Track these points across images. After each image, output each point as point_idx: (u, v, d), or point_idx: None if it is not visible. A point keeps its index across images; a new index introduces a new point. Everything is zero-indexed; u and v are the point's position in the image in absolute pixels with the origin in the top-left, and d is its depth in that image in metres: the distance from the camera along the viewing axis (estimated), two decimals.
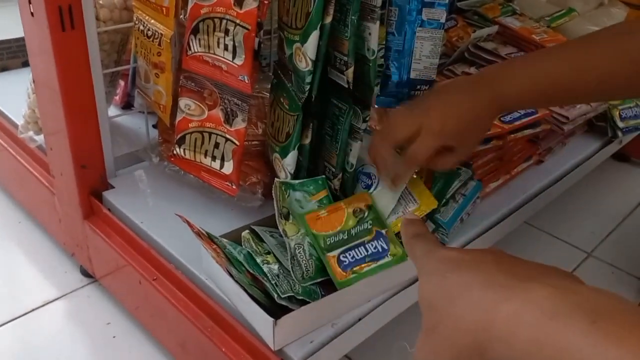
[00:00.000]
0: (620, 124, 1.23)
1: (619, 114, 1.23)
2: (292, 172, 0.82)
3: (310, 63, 0.73)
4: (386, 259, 0.77)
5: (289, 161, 0.82)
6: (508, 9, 1.52)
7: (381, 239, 0.78)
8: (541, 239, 1.28)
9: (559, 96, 0.73)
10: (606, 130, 1.25)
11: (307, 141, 0.82)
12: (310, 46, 0.72)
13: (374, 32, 0.72)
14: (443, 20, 0.81)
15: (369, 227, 0.79)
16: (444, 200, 0.89)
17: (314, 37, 0.72)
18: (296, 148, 0.80)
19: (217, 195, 0.93)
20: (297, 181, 0.82)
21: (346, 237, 0.78)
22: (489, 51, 1.20)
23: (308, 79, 0.74)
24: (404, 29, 0.80)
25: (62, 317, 1.01)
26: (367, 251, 0.78)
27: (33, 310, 1.02)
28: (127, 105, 1.23)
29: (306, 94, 0.76)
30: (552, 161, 1.16)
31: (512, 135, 1.01)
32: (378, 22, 0.72)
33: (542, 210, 1.23)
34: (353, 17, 0.72)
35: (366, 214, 0.81)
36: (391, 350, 0.96)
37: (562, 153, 1.20)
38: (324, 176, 0.84)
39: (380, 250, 0.78)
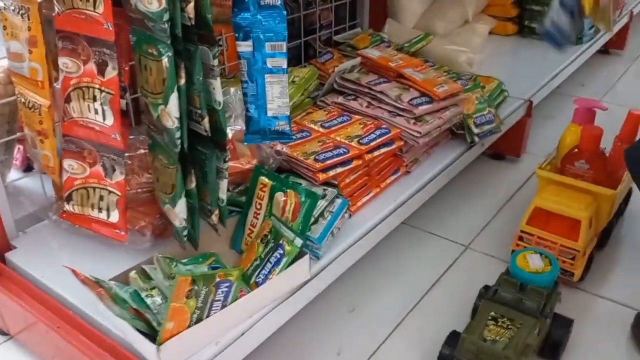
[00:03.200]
0: (476, 130, 1.40)
1: (474, 121, 1.40)
2: (185, 217, 0.93)
3: (175, 121, 0.85)
4: (284, 259, 0.93)
5: (179, 209, 0.92)
6: (377, 39, 1.70)
7: (279, 248, 0.94)
8: (423, 238, 1.43)
9: None
10: (465, 137, 1.42)
11: (193, 185, 0.93)
12: (173, 106, 0.84)
13: (216, 87, 0.85)
14: (285, 66, 0.95)
15: (272, 244, 0.95)
16: (313, 219, 1.02)
17: (173, 98, 0.83)
18: (183, 196, 0.91)
19: (111, 240, 1.02)
20: (184, 259, 0.95)
21: (258, 262, 0.95)
22: (352, 81, 1.35)
23: (177, 135, 0.86)
24: (255, 77, 0.94)
25: None
26: (271, 263, 0.94)
27: None
28: (28, 167, 1.31)
29: (179, 148, 0.87)
30: (419, 170, 1.32)
31: (370, 155, 1.15)
32: (219, 79, 0.85)
33: (423, 212, 1.38)
34: (198, 77, 0.84)
35: (269, 236, 0.96)
36: None
37: (428, 161, 1.36)
38: (209, 252, 0.98)
39: (279, 256, 0.94)
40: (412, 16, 1.92)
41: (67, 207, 0.98)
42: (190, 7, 0.80)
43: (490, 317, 0.95)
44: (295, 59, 1.65)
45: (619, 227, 1.43)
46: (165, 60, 0.81)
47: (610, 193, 1.19)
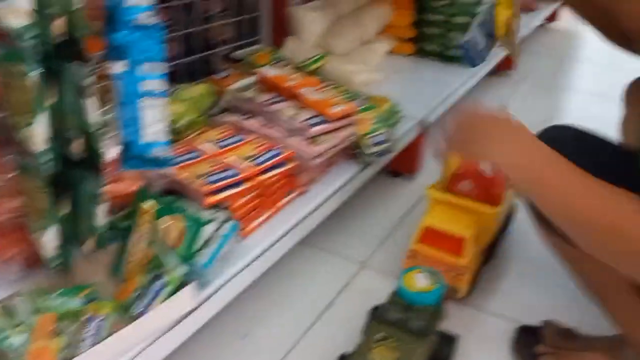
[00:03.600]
0: (370, 150, 1.42)
1: (369, 141, 1.43)
2: (56, 245, 0.86)
3: (45, 143, 0.79)
4: (167, 288, 0.89)
5: (50, 237, 0.85)
6: (277, 56, 1.70)
7: (161, 276, 0.90)
8: (317, 256, 1.44)
9: None
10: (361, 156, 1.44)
11: (66, 211, 0.87)
12: (40, 128, 0.78)
13: (89, 107, 0.80)
14: (162, 89, 0.91)
15: (154, 273, 0.91)
16: (201, 245, 0.99)
17: (42, 119, 0.77)
18: (54, 223, 0.84)
19: None
20: (57, 291, 0.87)
21: (139, 292, 0.90)
22: (247, 100, 1.34)
23: (47, 157, 0.80)
24: (129, 100, 0.89)
25: None
26: (153, 293, 0.90)
27: None
28: None
29: (49, 171, 0.81)
30: (315, 190, 1.32)
31: (263, 176, 1.13)
32: (92, 98, 0.80)
33: (319, 230, 1.38)
34: (69, 96, 0.79)
35: (151, 264, 0.92)
36: None
37: (324, 181, 1.36)
38: (86, 283, 0.91)
39: (161, 285, 0.90)
40: (312, 35, 1.93)
41: None
42: (60, 23, 0.76)
43: (376, 339, 0.96)
44: (191, 75, 1.62)
45: (504, 243, 1.51)
46: (31, 78, 0.75)
47: (493, 211, 1.25)
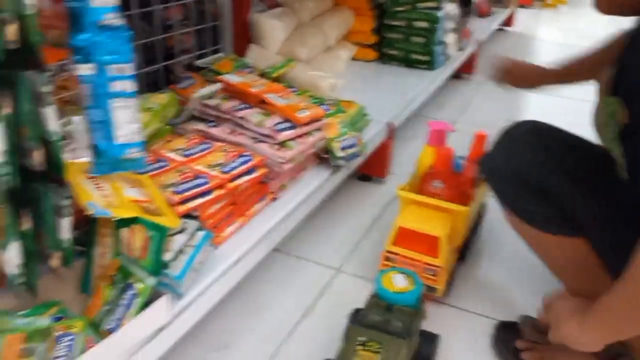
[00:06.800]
0: (340, 154, 1.41)
1: (338, 145, 1.42)
2: (18, 262, 0.81)
3: (1, 155, 0.74)
4: (137, 300, 0.86)
5: (12, 254, 0.80)
6: (240, 64, 1.68)
7: (130, 288, 0.87)
8: (292, 264, 1.41)
9: None
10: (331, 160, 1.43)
11: (28, 226, 0.83)
12: None
13: (49, 116, 0.77)
14: (132, 90, 0.89)
15: (122, 285, 0.87)
16: (174, 255, 0.95)
17: None
18: (14, 240, 0.80)
19: None
20: (23, 311, 0.84)
21: (108, 306, 0.87)
22: (213, 107, 1.31)
23: (4, 171, 0.75)
24: (99, 102, 0.86)
25: None
26: (123, 306, 0.86)
27: None
28: None
29: (6, 185, 0.76)
30: (286, 196, 1.30)
31: (233, 183, 1.11)
32: (52, 107, 0.76)
33: (294, 237, 1.36)
34: (25, 105, 0.75)
35: (117, 277, 0.88)
36: None
37: (295, 187, 1.34)
38: (51, 301, 0.88)
39: (131, 297, 0.86)
40: (275, 42, 1.92)
41: None
42: (13, 29, 0.72)
43: (358, 342, 0.94)
44: (153, 84, 1.58)
45: (476, 241, 1.51)
46: None
47: (464, 210, 1.25)
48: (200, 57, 1.78)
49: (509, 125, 1.11)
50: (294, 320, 1.23)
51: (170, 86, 1.54)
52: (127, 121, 0.91)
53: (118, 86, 0.89)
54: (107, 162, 0.93)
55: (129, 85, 0.90)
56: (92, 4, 0.84)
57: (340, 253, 1.47)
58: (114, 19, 0.86)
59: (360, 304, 1.12)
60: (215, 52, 1.85)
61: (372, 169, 1.79)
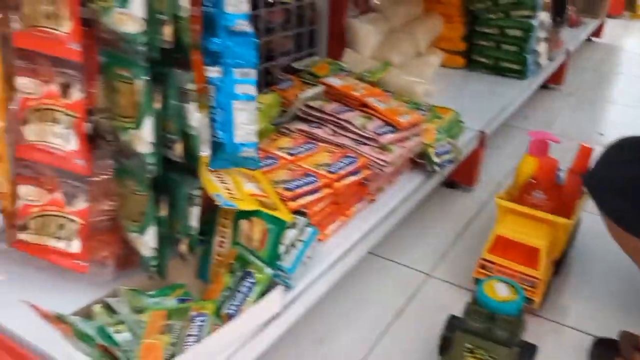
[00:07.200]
0: (436, 160, 1.43)
1: (434, 151, 1.43)
2: (154, 246, 0.88)
3: (150, 146, 0.81)
4: (255, 288, 0.90)
5: (149, 237, 0.87)
6: (336, 67, 1.72)
7: (248, 276, 0.91)
8: (386, 266, 1.44)
9: None
10: (426, 166, 1.44)
11: (164, 212, 0.89)
12: (147, 131, 0.80)
13: (191, 112, 0.83)
14: (254, 93, 0.94)
15: (240, 273, 0.92)
16: (285, 248, 1.00)
17: (148, 122, 0.79)
18: (153, 224, 0.86)
19: (69, 272, 0.95)
20: (151, 291, 0.90)
21: (228, 292, 0.92)
22: (316, 108, 1.35)
23: (151, 160, 0.82)
24: (223, 103, 0.92)
25: None
26: (242, 293, 0.91)
27: None
28: None
29: (152, 174, 0.83)
30: (383, 198, 1.32)
31: (339, 183, 1.14)
32: (194, 103, 0.82)
33: (385, 240, 1.38)
34: (172, 101, 0.81)
35: (236, 265, 0.94)
36: None
37: (391, 190, 1.36)
38: (179, 283, 0.94)
39: (250, 285, 0.91)
40: (368, 47, 1.95)
41: (22, 236, 0.92)
42: (168, 30, 0.78)
43: (466, 349, 0.95)
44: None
45: (571, 254, 1.48)
46: (139, 83, 0.78)
47: (566, 222, 1.24)
48: (296, 59, 1.83)
49: (615, 140, 1.10)
50: (386, 322, 1.25)
51: (271, 87, 1.60)
52: (246, 122, 0.96)
53: (241, 89, 0.94)
54: (226, 157, 0.98)
55: (252, 89, 0.95)
56: (226, 10, 0.90)
57: (430, 258, 1.48)
58: (244, 26, 0.91)
59: (451, 309, 1.13)
60: (310, 55, 1.90)
61: (461, 177, 1.78)
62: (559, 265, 1.36)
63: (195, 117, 0.83)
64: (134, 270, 0.98)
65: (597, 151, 1.21)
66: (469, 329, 0.99)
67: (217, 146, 0.97)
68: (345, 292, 1.32)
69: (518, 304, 1.03)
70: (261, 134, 1.34)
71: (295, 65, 1.79)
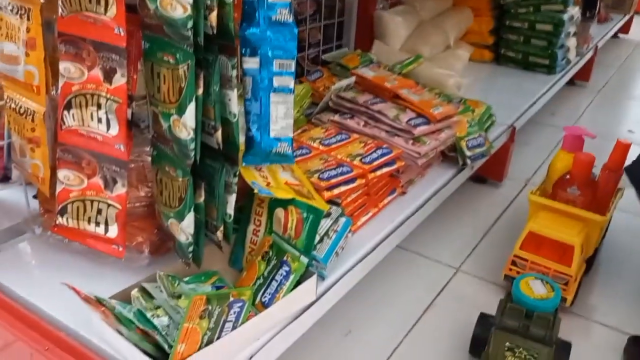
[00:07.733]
0: (468, 153, 1.41)
1: (466, 144, 1.41)
2: (192, 232, 0.87)
3: (191, 131, 0.80)
4: (291, 277, 0.90)
5: (187, 223, 0.87)
6: (366, 59, 1.71)
7: (284, 265, 0.91)
8: (414, 260, 1.43)
9: None
10: (457, 159, 1.42)
11: (201, 199, 0.89)
12: (189, 116, 0.79)
13: (233, 98, 0.82)
14: (292, 86, 0.92)
15: (275, 262, 0.92)
16: (319, 238, 0.99)
17: (191, 108, 0.79)
18: (191, 210, 0.86)
19: (104, 258, 0.96)
20: (186, 277, 0.90)
21: (262, 280, 0.92)
22: (349, 99, 1.34)
23: (192, 146, 0.81)
24: (259, 95, 0.90)
25: None
26: (277, 281, 0.91)
27: None
28: (4, 178, 1.22)
29: (192, 159, 0.82)
30: (413, 191, 1.31)
31: (373, 174, 1.14)
32: (236, 90, 0.82)
33: (413, 233, 1.37)
34: (215, 87, 0.81)
35: (270, 253, 0.93)
36: None
37: (422, 183, 1.35)
38: (213, 270, 0.94)
39: (285, 273, 0.90)
40: (398, 39, 1.93)
41: (60, 220, 0.92)
42: (213, 16, 0.78)
43: (506, 348, 0.94)
44: None
45: (601, 252, 1.46)
46: (183, 68, 0.78)
47: (601, 219, 1.22)
48: (324, 51, 1.82)
49: None
50: (416, 315, 1.25)
51: (301, 78, 1.59)
52: (282, 116, 0.94)
53: (279, 82, 0.91)
54: (259, 153, 0.95)
55: (289, 81, 0.92)
56: None
57: (458, 253, 1.47)
58: (285, 15, 0.90)
59: (480, 304, 1.12)
60: (339, 47, 1.89)
61: (489, 172, 1.76)
62: (590, 262, 1.34)
63: (236, 104, 0.83)
64: (167, 257, 0.98)
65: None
66: (508, 327, 0.98)
67: (250, 142, 0.94)
68: (374, 284, 1.32)
69: (555, 302, 1.02)
70: (294, 124, 1.33)
71: (325, 56, 1.78)
